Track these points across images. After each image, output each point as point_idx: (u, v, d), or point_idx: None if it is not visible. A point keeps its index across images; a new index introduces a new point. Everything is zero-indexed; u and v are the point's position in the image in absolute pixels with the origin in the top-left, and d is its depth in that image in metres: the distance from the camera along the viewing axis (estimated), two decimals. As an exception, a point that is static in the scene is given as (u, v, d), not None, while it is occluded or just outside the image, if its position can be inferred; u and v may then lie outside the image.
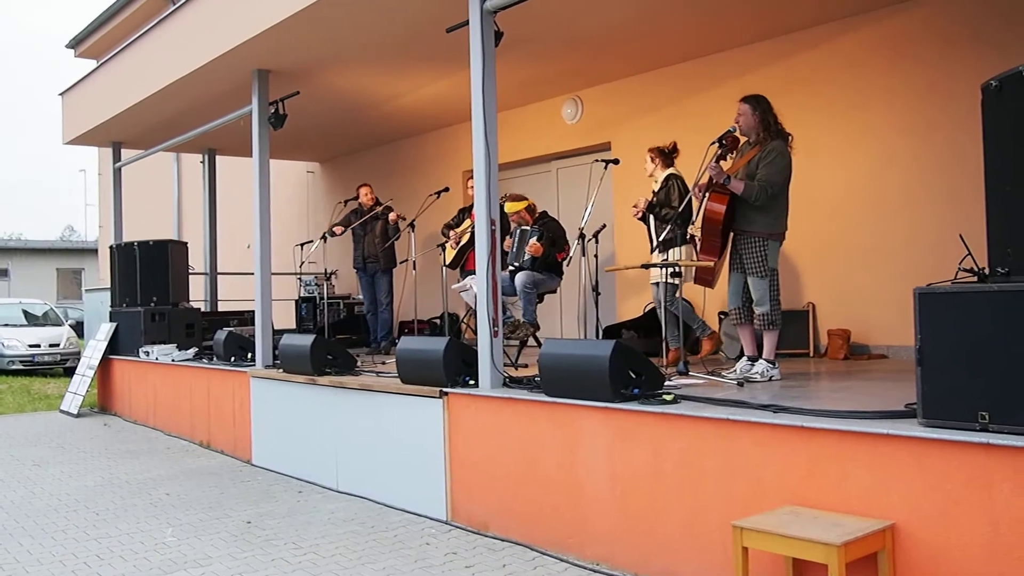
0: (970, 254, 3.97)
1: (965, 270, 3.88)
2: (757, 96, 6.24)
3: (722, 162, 6.25)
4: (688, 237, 6.72)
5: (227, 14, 8.52)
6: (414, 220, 9.79)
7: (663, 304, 7.40)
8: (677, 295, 7.14)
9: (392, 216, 10.61)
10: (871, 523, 3.71)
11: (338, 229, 10.88)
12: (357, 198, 11.04)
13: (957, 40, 7.32)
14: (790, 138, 6.20)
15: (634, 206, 7.66)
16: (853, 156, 7.98)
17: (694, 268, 6.45)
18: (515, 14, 6.18)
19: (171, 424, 10.51)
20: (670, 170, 7.60)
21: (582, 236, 7.31)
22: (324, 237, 10.56)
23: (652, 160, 7.71)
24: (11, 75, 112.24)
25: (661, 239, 6.94)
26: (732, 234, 6.24)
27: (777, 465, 4.19)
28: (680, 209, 6.69)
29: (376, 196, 11.07)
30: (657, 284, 7.56)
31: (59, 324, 21.31)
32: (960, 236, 4.09)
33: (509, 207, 8.56)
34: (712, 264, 6.25)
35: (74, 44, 21.52)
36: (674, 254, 7.12)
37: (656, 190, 7.56)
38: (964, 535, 3.52)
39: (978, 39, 7.17)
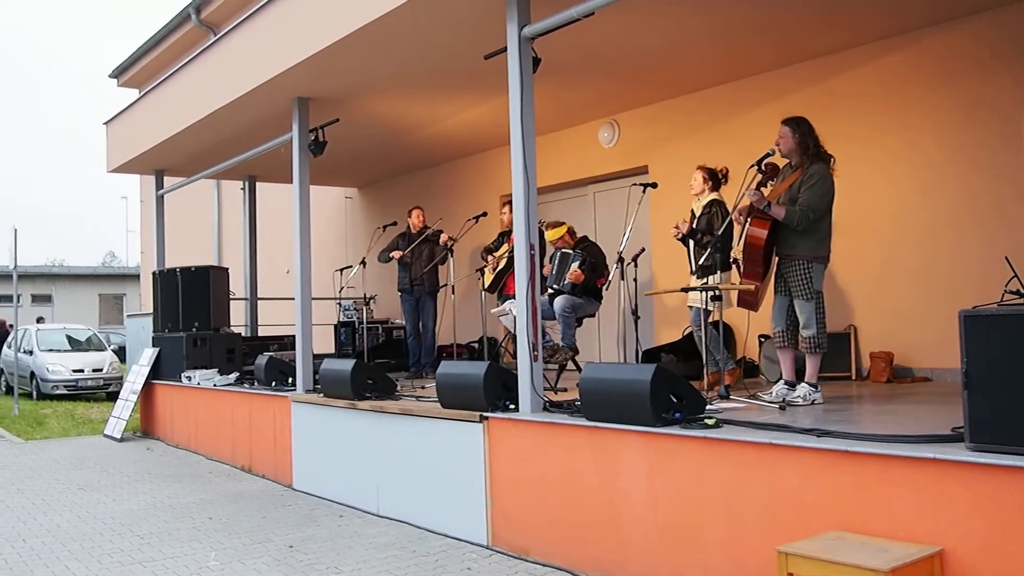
0: (1016, 276, 3.94)
1: (1012, 292, 3.84)
2: (798, 119, 6.22)
3: (763, 188, 6.23)
4: (731, 261, 6.69)
5: (267, 44, 8.65)
6: (452, 245, 9.83)
7: (700, 328, 7.37)
8: (711, 320, 7.09)
9: (443, 238, 10.67)
10: (919, 549, 3.66)
11: (396, 254, 10.91)
12: (395, 223, 11.10)
13: (1003, 58, 7.25)
14: (832, 160, 6.17)
15: (675, 227, 7.63)
16: (895, 177, 7.93)
17: (738, 292, 6.42)
18: (552, 40, 6.24)
19: (213, 448, 10.59)
20: (714, 195, 7.57)
21: (621, 260, 7.31)
22: (363, 262, 10.63)
23: (703, 180, 7.65)
24: (55, 103, 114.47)
25: (700, 264, 6.92)
26: (776, 258, 6.22)
27: (821, 490, 4.15)
28: (719, 233, 6.66)
29: (426, 220, 11.15)
30: (695, 308, 7.54)
31: (102, 349, 21.59)
32: (1006, 258, 4.07)
33: (551, 235, 8.58)
34: (752, 288, 6.22)
35: (117, 74, 21.89)
36: (713, 280, 7.10)
37: (698, 215, 7.53)
38: (1015, 562, 3.46)
39: (1022, 57, 7.10)
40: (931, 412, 5.37)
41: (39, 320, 28.61)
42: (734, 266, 6.73)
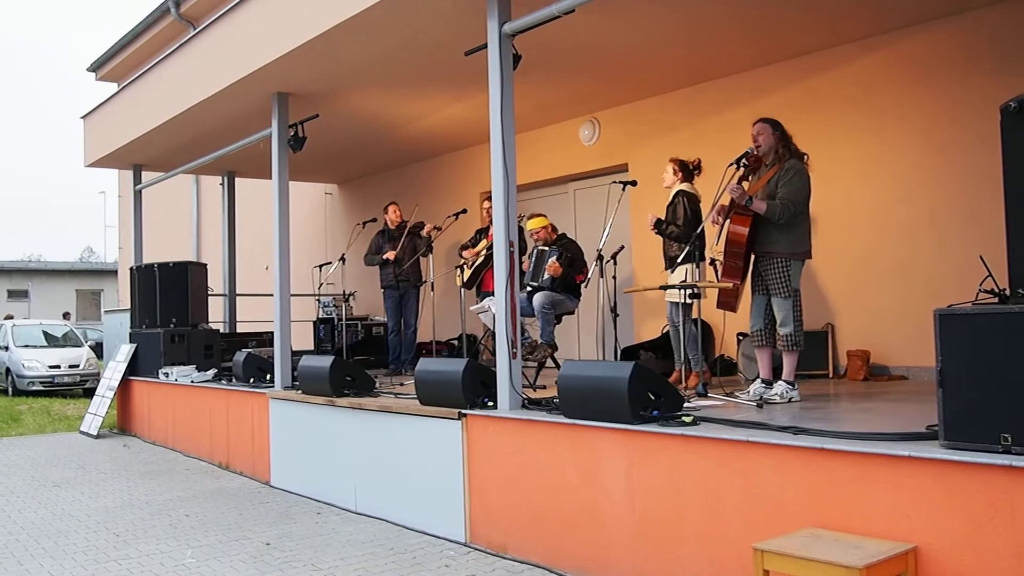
0: (991, 275, 3.96)
1: (986, 291, 3.86)
2: (773, 119, 6.29)
3: (744, 183, 6.26)
4: (709, 261, 6.72)
5: (247, 38, 8.61)
6: (432, 241, 9.82)
7: (679, 323, 7.41)
8: (693, 316, 7.12)
9: (427, 228, 10.64)
10: (893, 546, 3.68)
11: (390, 255, 10.77)
12: (375, 219, 11.07)
13: (980, 59, 7.31)
14: (806, 157, 6.22)
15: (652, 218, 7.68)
16: (873, 176, 7.97)
17: (717, 294, 6.44)
18: (532, 37, 6.24)
19: (190, 445, 10.54)
20: (682, 186, 7.61)
21: (600, 257, 7.32)
22: (343, 258, 10.60)
23: (674, 172, 7.70)
24: (33, 97, 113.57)
25: (681, 259, 6.95)
26: (753, 256, 6.25)
27: (798, 487, 4.17)
28: (698, 232, 6.68)
29: (403, 215, 11.11)
30: (675, 304, 7.57)
31: (79, 345, 21.43)
32: (980, 257, 4.09)
33: (534, 224, 8.59)
34: (731, 286, 6.24)
35: (95, 67, 21.73)
36: (684, 271, 7.13)
37: (667, 206, 7.59)
38: (988, 559, 3.49)
39: (1002, 58, 7.15)
40: (907, 410, 5.40)
41: (65, 316, 28.48)
42: (711, 267, 6.75)
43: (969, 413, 3.65)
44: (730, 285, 6.24)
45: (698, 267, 7.11)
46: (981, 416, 3.60)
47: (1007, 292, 3.78)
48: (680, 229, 7.38)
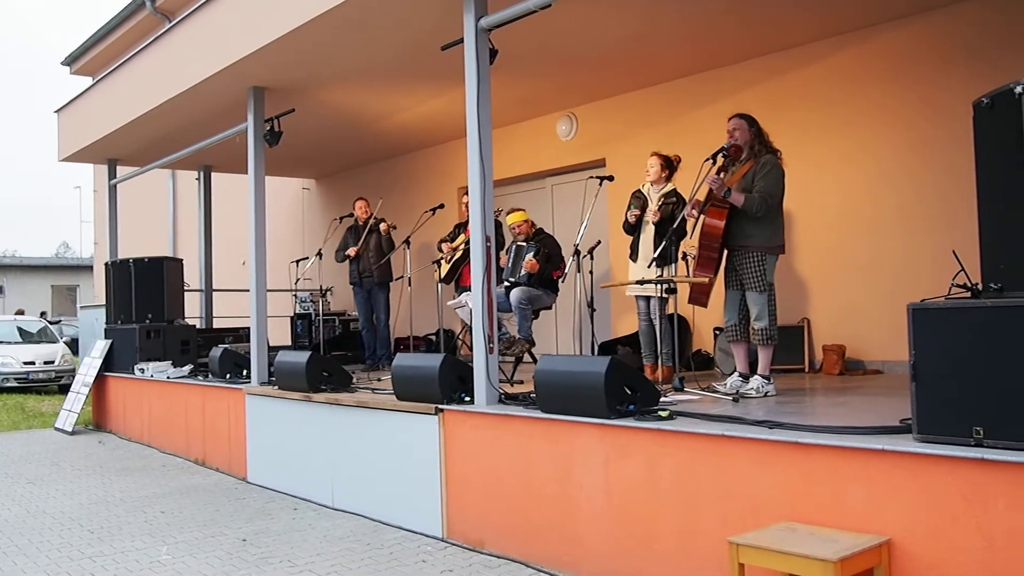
0: (963, 270, 3.99)
1: (959, 286, 3.89)
2: (748, 115, 6.31)
3: (721, 174, 6.27)
4: (682, 255, 6.73)
5: (223, 32, 8.55)
6: (409, 236, 9.79)
7: (656, 318, 7.43)
8: (671, 311, 7.13)
9: (383, 227, 10.60)
10: (867, 539, 3.71)
11: (351, 252, 10.81)
12: (351, 214, 11.04)
13: (951, 57, 7.36)
14: (779, 153, 6.25)
15: (634, 213, 7.66)
16: (847, 172, 8.01)
17: (689, 289, 6.45)
18: (509, 32, 6.23)
19: (166, 441, 10.48)
20: (673, 185, 7.62)
21: (577, 252, 7.32)
22: (319, 254, 10.55)
23: (661, 167, 7.69)
24: (7, 90, 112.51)
25: (658, 253, 6.95)
26: (726, 251, 6.27)
27: (773, 481, 4.19)
28: (675, 225, 6.69)
29: (371, 210, 11.07)
30: (647, 299, 7.59)
31: (54, 341, 21.24)
32: (953, 252, 4.11)
33: (514, 218, 8.59)
34: (706, 280, 6.25)
35: (70, 61, 21.53)
36: (669, 270, 7.14)
37: (657, 203, 7.56)
38: (960, 551, 3.52)
39: (973, 56, 7.21)
40: (881, 404, 5.43)
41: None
42: (684, 261, 6.76)
43: (942, 407, 3.67)
44: (706, 280, 6.25)
45: (674, 262, 7.12)
46: (954, 410, 3.63)
47: (979, 287, 3.81)
48: (672, 227, 7.37)
